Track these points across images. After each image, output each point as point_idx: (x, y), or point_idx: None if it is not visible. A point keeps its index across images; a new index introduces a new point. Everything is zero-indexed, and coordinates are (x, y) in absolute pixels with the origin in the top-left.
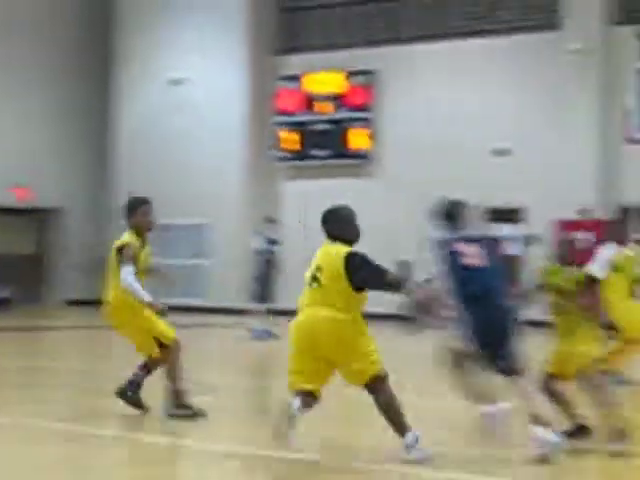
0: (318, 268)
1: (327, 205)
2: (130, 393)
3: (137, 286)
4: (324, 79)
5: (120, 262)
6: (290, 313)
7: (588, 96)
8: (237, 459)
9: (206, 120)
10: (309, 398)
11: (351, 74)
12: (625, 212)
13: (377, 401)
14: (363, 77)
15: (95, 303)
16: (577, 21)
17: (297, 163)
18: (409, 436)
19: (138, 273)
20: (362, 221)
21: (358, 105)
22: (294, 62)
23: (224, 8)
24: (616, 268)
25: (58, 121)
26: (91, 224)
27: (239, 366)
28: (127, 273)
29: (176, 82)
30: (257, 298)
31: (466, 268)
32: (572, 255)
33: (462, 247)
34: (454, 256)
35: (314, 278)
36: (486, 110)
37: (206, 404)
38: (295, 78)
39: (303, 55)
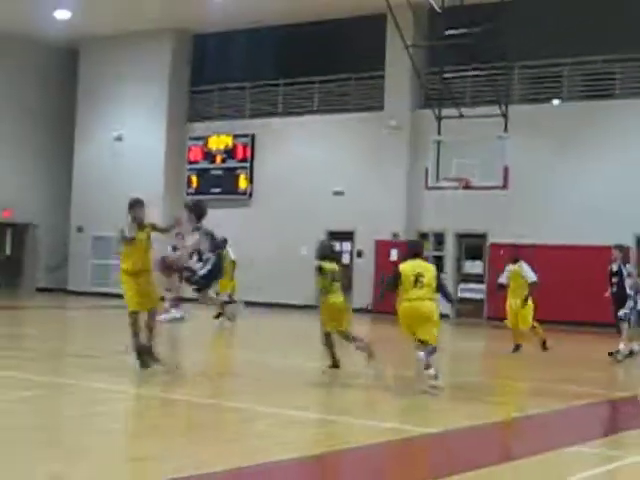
0: (420, 274)
1: (219, 228)
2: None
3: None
4: (219, 139)
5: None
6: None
7: (400, 157)
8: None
9: (137, 166)
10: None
11: (237, 136)
12: (423, 235)
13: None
14: (245, 139)
15: (56, 290)
16: (394, 105)
17: (200, 197)
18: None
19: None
20: (245, 238)
21: (241, 158)
22: (200, 127)
23: (153, 89)
24: (511, 278)
25: (33, 161)
26: (54, 235)
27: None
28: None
29: (117, 138)
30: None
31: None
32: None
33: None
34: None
35: (417, 280)
36: (330, 164)
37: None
38: (201, 138)
39: (206, 123)
